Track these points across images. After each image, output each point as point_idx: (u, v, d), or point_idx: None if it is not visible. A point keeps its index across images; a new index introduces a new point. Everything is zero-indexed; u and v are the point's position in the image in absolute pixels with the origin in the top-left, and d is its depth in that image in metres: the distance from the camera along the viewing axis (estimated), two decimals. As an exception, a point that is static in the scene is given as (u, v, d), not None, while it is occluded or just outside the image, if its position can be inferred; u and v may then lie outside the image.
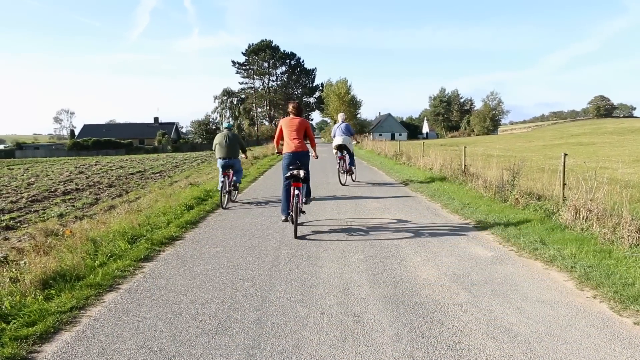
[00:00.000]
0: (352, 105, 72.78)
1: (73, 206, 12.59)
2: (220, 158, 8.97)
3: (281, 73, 79.09)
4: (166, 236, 6.12)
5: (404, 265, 4.80)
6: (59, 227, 8.01)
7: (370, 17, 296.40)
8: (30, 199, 14.36)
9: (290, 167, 6.29)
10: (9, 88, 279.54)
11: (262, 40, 76.67)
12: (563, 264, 4.66)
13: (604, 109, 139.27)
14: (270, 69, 77.94)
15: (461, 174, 11.17)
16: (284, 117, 7.01)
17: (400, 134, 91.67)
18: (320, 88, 79.58)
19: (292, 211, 6.09)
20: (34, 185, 19.09)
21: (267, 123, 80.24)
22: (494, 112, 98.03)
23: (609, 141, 37.91)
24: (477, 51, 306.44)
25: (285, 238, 6.09)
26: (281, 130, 6.73)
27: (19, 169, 30.95)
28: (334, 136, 12.02)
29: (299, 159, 6.46)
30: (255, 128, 76.25)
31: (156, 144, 64.52)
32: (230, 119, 71.43)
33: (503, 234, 6.03)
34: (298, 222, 6.15)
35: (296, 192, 6.05)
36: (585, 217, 5.94)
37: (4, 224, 9.80)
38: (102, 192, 15.90)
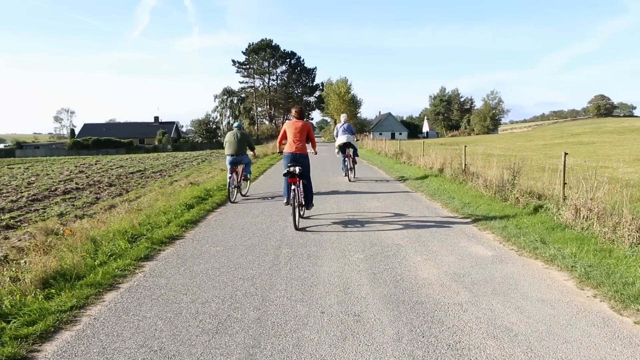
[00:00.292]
0: (352, 104, 72.88)
1: (73, 205, 12.59)
2: (229, 155, 9.54)
3: (281, 72, 79.04)
4: (166, 235, 6.12)
5: (404, 265, 4.80)
6: (59, 226, 8.01)
7: (370, 16, 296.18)
8: (30, 198, 14.37)
9: (289, 164, 6.90)
10: (9, 87, 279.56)
11: (263, 40, 76.62)
12: (563, 263, 4.66)
13: (604, 109, 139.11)
14: (270, 68, 77.86)
15: (461, 173, 11.16)
16: (286, 120, 7.90)
17: (400, 133, 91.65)
18: (321, 87, 79.55)
19: (291, 205, 6.53)
20: (34, 185, 19.09)
21: (267, 122, 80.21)
22: (494, 111, 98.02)
23: (609, 140, 37.89)
24: (478, 51, 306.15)
25: (285, 237, 6.09)
26: (285, 132, 7.29)
27: (19, 168, 30.95)
28: (337, 135, 12.61)
29: (297, 159, 6.97)
30: (256, 127, 76.19)
31: (156, 143, 64.52)
32: (230, 118, 71.37)
33: (503, 233, 6.03)
34: (301, 216, 6.84)
35: (293, 187, 6.53)
36: (585, 216, 5.93)
37: (4, 223, 9.80)
38: (102, 192, 15.91)
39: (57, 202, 13.47)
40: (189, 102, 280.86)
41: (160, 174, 22.49)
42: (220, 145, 63.29)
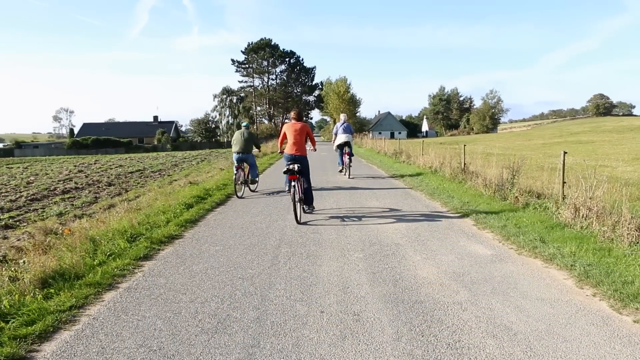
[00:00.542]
0: (352, 103, 72.85)
1: (72, 205, 12.57)
2: (235, 152, 10.09)
3: (280, 71, 78.85)
4: (165, 235, 6.11)
5: (403, 264, 4.80)
6: (58, 226, 8.00)
7: (370, 15, 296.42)
8: (29, 198, 14.34)
9: (289, 163, 7.37)
10: (8, 87, 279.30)
11: (262, 39, 76.41)
12: (563, 262, 4.66)
13: (604, 108, 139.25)
14: (269, 68, 77.69)
15: (461, 172, 11.17)
16: (285, 120, 8.33)
17: (399, 133, 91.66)
18: (320, 86, 79.39)
19: (292, 200, 6.96)
20: (33, 184, 19.06)
21: (266, 121, 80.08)
22: (493, 110, 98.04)
23: (608, 139, 37.90)
24: (477, 50, 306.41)
25: (284, 236, 6.09)
26: (284, 134, 7.75)
27: (18, 167, 30.90)
28: (336, 134, 13.29)
29: (297, 160, 7.42)
30: (255, 126, 76.13)
31: (155, 143, 64.41)
32: (230, 117, 71.32)
33: (503, 232, 6.03)
34: (303, 210, 7.42)
35: (293, 183, 6.97)
36: (584, 215, 5.93)
37: (3, 222, 9.79)
38: (101, 191, 15.88)
39: (56, 202, 13.45)
40: (189, 102, 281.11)
41: (160, 174, 22.47)
42: (220, 145, 63.47)
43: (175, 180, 16.70)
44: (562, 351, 2.91)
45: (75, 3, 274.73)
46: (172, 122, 77.45)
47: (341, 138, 13.04)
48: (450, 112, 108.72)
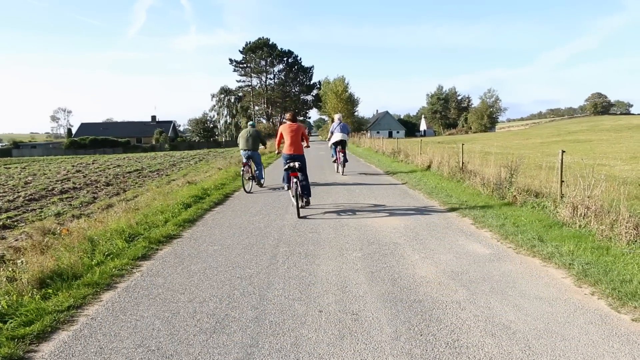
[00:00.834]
0: (350, 103, 72.84)
1: (70, 205, 12.55)
2: (242, 150, 10.81)
3: (279, 71, 78.82)
4: (164, 235, 6.10)
5: (401, 263, 4.80)
6: (56, 226, 7.98)
7: (368, 14, 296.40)
8: (27, 198, 14.30)
9: (288, 161, 7.87)
10: (6, 87, 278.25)
11: (260, 38, 76.38)
12: (561, 260, 4.67)
13: (601, 106, 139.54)
14: (267, 67, 77.65)
15: (459, 171, 11.17)
16: (282, 124, 8.87)
17: (397, 132, 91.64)
18: (318, 86, 79.39)
19: (293, 196, 7.55)
20: (31, 184, 19.01)
21: (264, 121, 80.00)
22: (491, 109, 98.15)
23: (606, 138, 37.98)
24: (475, 49, 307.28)
25: (283, 236, 6.08)
26: (281, 135, 8.24)
27: (16, 167, 30.81)
28: (333, 133, 13.94)
29: (295, 159, 7.87)
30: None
31: (154, 143, 64.30)
32: (228, 117, 71.26)
33: (501, 231, 6.03)
34: (302, 206, 7.81)
35: (294, 180, 7.51)
36: (583, 214, 5.94)
37: (1, 223, 9.76)
38: (99, 191, 15.85)
39: (54, 202, 13.42)
40: (187, 101, 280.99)
41: (158, 173, 22.44)
42: (218, 144, 63.54)
43: (174, 180, 16.68)
44: (561, 350, 2.91)
45: (74, 3, 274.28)
46: (170, 122, 77.35)
47: (337, 136, 13.71)
48: (448, 111, 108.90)
